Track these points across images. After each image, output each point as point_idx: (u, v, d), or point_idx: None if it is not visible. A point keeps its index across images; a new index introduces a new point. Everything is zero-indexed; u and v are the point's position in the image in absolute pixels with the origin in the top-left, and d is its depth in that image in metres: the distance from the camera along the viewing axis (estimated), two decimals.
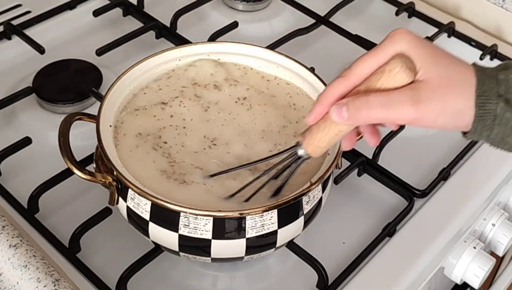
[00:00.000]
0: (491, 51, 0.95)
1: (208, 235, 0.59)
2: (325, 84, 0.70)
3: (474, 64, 0.55)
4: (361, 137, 0.60)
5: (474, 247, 0.76)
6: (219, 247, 0.60)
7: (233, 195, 0.60)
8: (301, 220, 0.62)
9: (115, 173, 0.61)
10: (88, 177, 0.62)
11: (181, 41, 0.92)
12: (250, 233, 0.60)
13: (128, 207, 0.62)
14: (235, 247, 0.60)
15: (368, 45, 0.92)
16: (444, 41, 0.98)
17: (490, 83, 0.52)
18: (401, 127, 0.81)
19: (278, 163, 0.60)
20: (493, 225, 0.79)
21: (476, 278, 0.75)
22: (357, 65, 0.55)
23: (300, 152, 0.57)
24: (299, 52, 0.92)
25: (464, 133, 0.55)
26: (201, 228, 0.59)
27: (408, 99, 0.52)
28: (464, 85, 0.53)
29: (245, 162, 0.63)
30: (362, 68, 0.55)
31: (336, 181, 0.74)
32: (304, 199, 0.62)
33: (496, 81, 0.52)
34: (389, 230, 0.72)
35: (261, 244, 0.61)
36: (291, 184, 0.61)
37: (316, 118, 0.56)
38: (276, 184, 0.61)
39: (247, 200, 0.60)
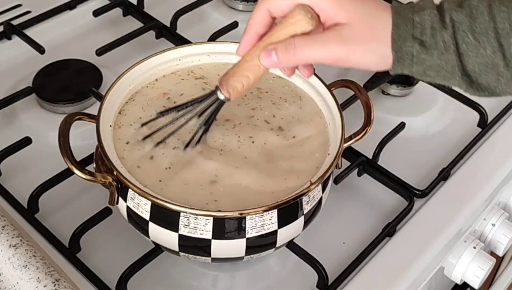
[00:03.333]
0: None
1: (208, 235, 0.59)
2: (325, 84, 0.70)
3: (392, 6, 0.57)
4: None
5: (474, 247, 0.76)
6: (219, 247, 0.60)
7: (186, 145, 0.64)
8: (301, 220, 0.62)
9: (115, 173, 0.61)
10: (88, 177, 0.62)
11: (181, 41, 0.92)
12: (250, 233, 0.60)
13: (128, 207, 0.62)
14: (235, 247, 0.60)
15: None
16: None
17: (405, 26, 0.55)
18: (402, 127, 0.81)
19: (203, 108, 0.64)
20: (493, 225, 0.79)
21: (476, 278, 0.75)
22: None
23: (222, 97, 0.61)
24: None
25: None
26: (201, 228, 0.59)
27: (333, 37, 0.56)
28: (383, 31, 0.56)
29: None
30: (281, 2, 0.58)
31: (336, 181, 0.74)
32: (304, 199, 0.62)
33: (412, 23, 0.56)
34: (389, 230, 0.72)
35: (261, 244, 0.61)
36: (291, 183, 0.61)
37: (245, 48, 0.60)
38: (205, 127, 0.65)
39: (186, 146, 0.64)
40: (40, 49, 0.88)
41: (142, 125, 0.66)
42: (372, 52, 0.56)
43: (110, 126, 0.65)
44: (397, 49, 0.56)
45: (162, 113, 0.65)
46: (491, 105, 0.88)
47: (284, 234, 0.62)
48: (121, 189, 0.62)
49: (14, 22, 0.93)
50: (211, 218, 0.59)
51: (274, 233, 0.61)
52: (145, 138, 0.65)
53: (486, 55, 0.54)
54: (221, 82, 0.61)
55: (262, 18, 0.59)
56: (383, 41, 0.56)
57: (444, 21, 0.55)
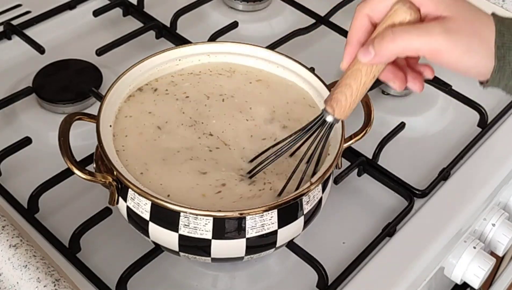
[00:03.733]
0: None
1: (208, 235, 0.59)
2: (325, 84, 0.70)
3: (493, 14, 0.55)
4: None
5: (474, 247, 0.76)
6: (219, 247, 0.60)
7: (281, 192, 0.61)
8: (301, 220, 0.62)
9: (115, 173, 0.61)
10: (88, 177, 0.62)
11: (181, 41, 0.92)
12: (250, 233, 0.60)
13: (128, 207, 0.62)
14: (235, 247, 0.60)
15: None
16: None
17: (509, 35, 0.52)
18: (402, 126, 0.81)
19: (308, 141, 0.60)
20: (493, 225, 0.79)
21: (476, 278, 0.75)
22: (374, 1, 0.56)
23: (329, 118, 0.57)
24: (299, 52, 0.92)
25: (481, 83, 0.56)
26: (201, 228, 0.59)
27: (437, 26, 0.52)
28: (485, 33, 0.53)
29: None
30: (378, 2, 0.55)
31: (336, 181, 0.74)
32: (304, 199, 0.62)
33: None
34: (389, 230, 0.72)
35: (261, 244, 0.61)
36: (290, 185, 0.61)
37: (348, 60, 0.56)
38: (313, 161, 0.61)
39: (296, 188, 0.60)
40: (40, 49, 0.88)
41: (250, 161, 0.63)
42: (476, 51, 0.52)
43: (110, 126, 0.65)
44: (500, 57, 0.52)
45: (256, 157, 0.63)
46: (491, 105, 0.88)
47: (284, 234, 0.62)
48: (121, 189, 0.62)
49: (14, 22, 0.93)
50: (211, 218, 0.59)
51: (274, 233, 0.61)
52: (251, 176, 0.62)
53: None
54: (326, 100, 0.57)
55: (362, 25, 0.56)
56: (485, 43, 0.53)
57: None
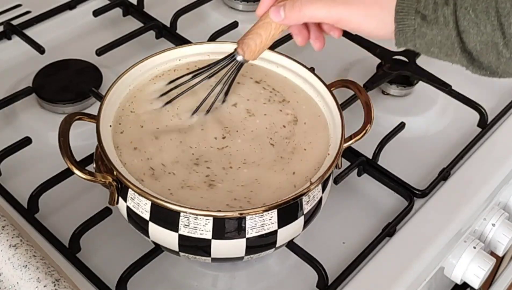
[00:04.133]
0: None
1: (208, 235, 0.59)
2: (325, 84, 0.70)
3: None
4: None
5: (474, 247, 0.76)
6: (219, 247, 0.60)
7: (195, 111, 0.67)
8: (301, 220, 0.62)
9: (115, 173, 0.61)
10: (88, 177, 0.62)
11: (181, 41, 0.92)
12: (250, 233, 0.60)
13: (128, 207, 0.62)
14: (235, 247, 0.60)
15: (368, 45, 0.92)
16: None
17: (410, 0, 0.57)
18: (402, 127, 0.81)
19: (221, 73, 0.67)
20: (493, 225, 0.79)
21: (476, 278, 0.75)
22: None
23: (239, 58, 0.65)
24: (299, 52, 0.92)
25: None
26: (201, 228, 0.59)
27: None
28: (387, 0, 0.58)
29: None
30: None
31: (336, 181, 0.74)
32: (304, 199, 0.62)
33: None
34: (389, 230, 0.72)
35: (261, 244, 0.61)
36: (292, 183, 0.61)
37: (263, 9, 0.64)
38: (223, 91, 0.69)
39: (207, 111, 0.67)
40: (40, 49, 0.88)
41: (161, 95, 0.69)
42: (374, 16, 0.59)
43: (110, 126, 0.65)
44: (399, 21, 0.57)
45: (171, 82, 0.69)
46: (491, 105, 0.88)
47: (284, 234, 0.62)
48: (121, 189, 0.62)
49: (14, 22, 0.93)
50: (211, 218, 0.59)
51: (274, 233, 0.61)
52: (161, 95, 0.68)
53: (486, 33, 0.55)
54: (238, 42, 0.65)
55: None
56: (387, 8, 0.58)
57: None
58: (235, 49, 0.66)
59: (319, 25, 0.66)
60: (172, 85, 0.69)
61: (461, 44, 0.56)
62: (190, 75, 0.69)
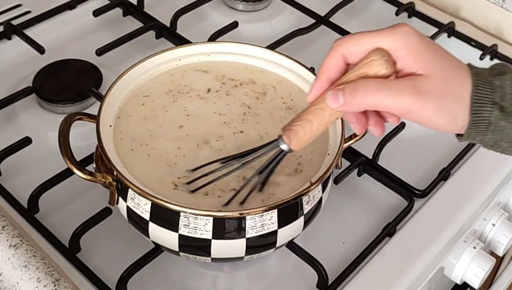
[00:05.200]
0: (491, 51, 0.95)
1: (208, 235, 0.59)
2: None
3: (469, 66, 0.54)
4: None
5: (474, 247, 0.76)
6: (219, 247, 0.60)
7: (228, 202, 0.60)
8: (301, 220, 0.62)
9: (115, 173, 0.61)
10: (88, 177, 0.62)
11: (181, 41, 0.92)
12: (250, 233, 0.60)
13: (128, 207, 0.62)
14: (235, 247, 0.60)
15: None
16: (444, 41, 0.98)
17: (485, 89, 0.52)
18: (402, 126, 0.81)
19: (262, 161, 0.59)
20: (493, 225, 0.79)
21: (476, 278, 0.75)
22: (350, 38, 0.55)
23: (284, 146, 0.56)
24: (299, 52, 0.92)
25: (458, 135, 0.55)
26: (201, 228, 0.59)
27: (409, 87, 0.51)
28: (461, 90, 0.52)
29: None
30: (354, 42, 0.54)
31: (336, 181, 0.74)
32: (304, 199, 0.62)
33: (491, 87, 0.52)
34: (389, 230, 0.72)
35: (261, 244, 0.61)
36: (290, 183, 0.61)
37: (315, 94, 0.55)
38: (261, 180, 0.60)
39: (242, 202, 0.60)
40: (40, 49, 0.88)
41: (193, 170, 0.62)
42: (447, 111, 0.52)
43: (110, 126, 0.65)
44: (475, 112, 0.52)
45: (208, 163, 0.61)
46: None
47: (284, 234, 0.62)
48: (121, 189, 0.62)
49: (14, 22, 0.93)
50: (211, 218, 0.59)
51: (274, 233, 0.61)
52: (190, 182, 0.61)
53: None
54: (284, 129, 0.56)
55: (336, 64, 0.55)
56: (459, 101, 0.52)
57: None
58: (280, 136, 0.56)
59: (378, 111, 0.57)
60: (200, 173, 0.61)
61: None
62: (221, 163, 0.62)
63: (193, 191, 0.61)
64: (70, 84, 0.84)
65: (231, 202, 0.60)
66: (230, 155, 0.61)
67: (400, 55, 0.53)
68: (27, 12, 0.96)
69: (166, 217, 0.60)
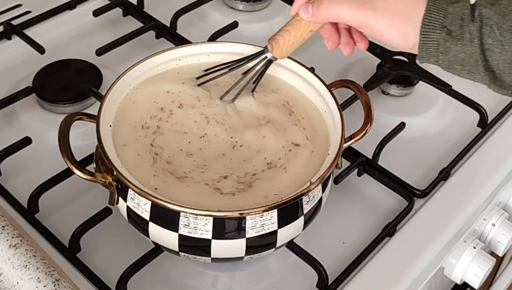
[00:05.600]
0: None
1: (208, 235, 0.59)
2: (325, 84, 0.70)
3: None
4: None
5: (474, 247, 0.76)
6: (219, 247, 0.60)
7: (222, 96, 0.69)
8: (301, 220, 0.62)
9: (115, 173, 0.61)
10: (88, 177, 0.62)
11: (181, 41, 0.92)
12: (250, 233, 0.60)
13: (128, 207, 0.62)
14: (235, 247, 0.60)
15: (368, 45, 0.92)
16: None
17: (437, 14, 0.57)
18: (402, 126, 0.81)
19: (249, 67, 0.69)
20: (493, 225, 0.79)
21: (476, 278, 0.75)
22: None
23: (268, 54, 0.67)
24: (299, 52, 0.92)
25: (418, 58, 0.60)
26: (201, 228, 0.59)
27: (366, 3, 0.59)
28: (415, 12, 0.58)
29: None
30: None
31: (336, 181, 0.74)
32: (304, 199, 0.62)
33: (444, 12, 0.57)
34: (389, 230, 0.72)
35: (261, 244, 0.61)
36: (291, 184, 0.61)
37: (296, 9, 0.64)
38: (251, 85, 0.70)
39: (234, 99, 0.69)
40: (40, 49, 0.88)
41: (199, 84, 0.70)
42: (398, 27, 0.58)
43: (110, 126, 0.65)
44: (424, 34, 0.57)
45: (206, 70, 0.70)
46: (491, 105, 0.88)
47: (284, 234, 0.62)
48: (121, 189, 0.62)
49: (14, 22, 0.93)
50: (211, 218, 0.59)
51: (274, 233, 0.61)
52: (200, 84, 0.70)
53: (510, 51, 0.55)
54: (269, 40, 0.66)
55: None
56: (412, 21, 0.58)
57: (473, 14, 0.56)
58: (265, 46, 0.67)
59: (349, 31, 0.66)
60: (203, 73, 0.71)
61: (485, 62, 0.56)
62: (219, 68, 0.70)
63: (199, 85, 0.70)
64: (70, 84, 0.84)
65: (225, 96, 0.69)
66: (227, 62, 0.70)
67: None
68: (27, 12, 0.96)
69: (166, 217, 0.60)
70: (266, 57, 0.68)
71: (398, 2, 0.58)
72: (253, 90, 0.70)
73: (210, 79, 0.70)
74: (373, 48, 0.92)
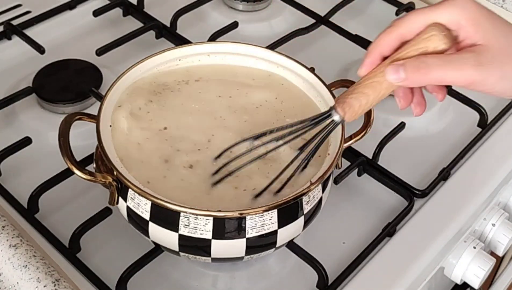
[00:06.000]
0: None
1: (208, 235, 0.59)
2: (325, 84, 0.70)
3: None
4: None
5: (474, 247, 0.76)
6: (219, 247, 0.60)
7: (260, 193, 0.60)
8: (301, 220, 0.62)
9: (115, 173, 0.61)
10: (88, 177, 0.62)
11: (181, 41, 0.92)
12: (250, 233, 0.60)
13: (128, 207, 0.62)
14: (235, 247, 0.60)
15: (368, 45, 0.92)
16: None
17: None
18: (402, 126, 0.81)
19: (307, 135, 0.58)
20: (493, 225, 0.79)
21: (476, 278, 0.75)
22: (409, 17, 0.56)
23: (336, 117, 0.57)
24: (299, 52, 0.92)
25: None
26: (201, 228, 0.59)
27: (469, 59, 0.53)
28: None
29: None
30: (413, 21, 0.56)
31: (336, 181, 0.74)
32: (304, 199, 0.62)
33: None
34: (389, 230, 0.72)
35: (261, 244, 0.61)
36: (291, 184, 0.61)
37: (368, 69, 0.57)
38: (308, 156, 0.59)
39: (278, 191, 0.59)
40: (40, 49, 0.88)
41: (217, 157, 0.62)
42: (509, 77, 0.54)
43: (110, 126, 0.65)
44: None
45: (259, 136, 0.60)
46: (491, 105, 0.88)
47: (284, 234, 0.62)
48: (121, 189, 0.62)
49: (14, 22, 0.93)
50: (211, 218, 0.59)
51: (274, 233, 0.61)
52: (216, 172, 0.61)
53: None
54: (337, 101, 0.57)
55: (391, 41, 0.57)
56: None
57: None
58: (332, 107, 0.57)
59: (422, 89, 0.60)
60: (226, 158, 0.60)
61: None
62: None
63: (216, 183, 0.60)
64: (70, 84, 0.84)
65: (263, 194, 0.59)
66: (262, 131, 0.57)
67: (461, 27, 0.54)
68: (27, 12, 0.96)
69: (166, 217, 0.60)
70: (333, 120, 0.57)
71: (502, 47, 0.54)
72: (307, 162, 0.60)
73: (232, 171, 0.59)
74: None
